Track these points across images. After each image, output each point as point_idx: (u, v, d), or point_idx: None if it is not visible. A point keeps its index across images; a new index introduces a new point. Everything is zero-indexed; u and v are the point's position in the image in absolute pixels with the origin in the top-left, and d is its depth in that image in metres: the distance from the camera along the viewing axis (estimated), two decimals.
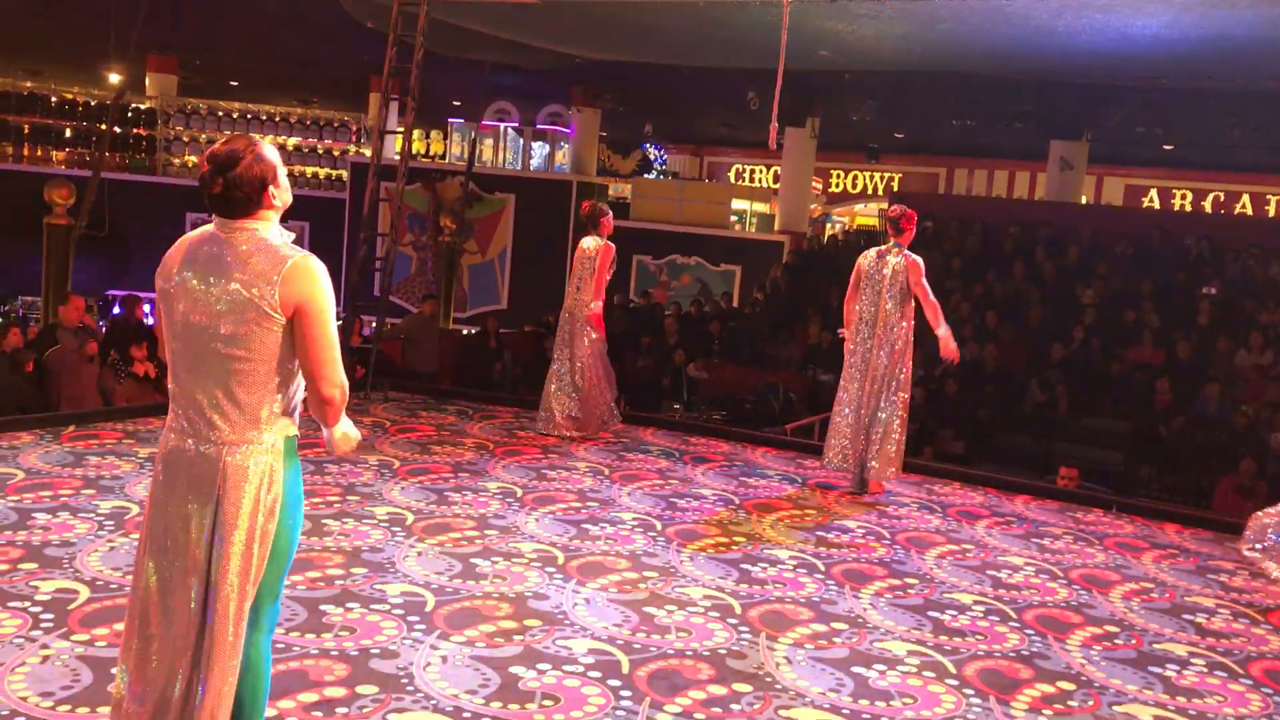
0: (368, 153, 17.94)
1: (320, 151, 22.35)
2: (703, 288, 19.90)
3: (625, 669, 4.43)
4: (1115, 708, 4.53)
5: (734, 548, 6.20)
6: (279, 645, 4.27)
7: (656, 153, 28.96)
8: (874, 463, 7.50)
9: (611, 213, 8.84)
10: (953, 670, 4.73)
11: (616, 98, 21.47)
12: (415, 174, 18.32)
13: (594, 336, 8.66)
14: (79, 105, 21.08)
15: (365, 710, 3.91)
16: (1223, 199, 25.19)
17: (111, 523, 5.70)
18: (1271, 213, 24.60)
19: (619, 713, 4.06)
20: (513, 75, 19.87)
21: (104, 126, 18.30)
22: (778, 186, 22.93)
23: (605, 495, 7.08)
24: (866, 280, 7.54)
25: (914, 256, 7.47)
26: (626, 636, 4.76)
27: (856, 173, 29.16)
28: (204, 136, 21.36)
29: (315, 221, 20.24)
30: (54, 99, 20.94)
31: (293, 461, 3.14)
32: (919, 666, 4.74)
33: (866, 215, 29.15)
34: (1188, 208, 25.27)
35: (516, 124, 22.63)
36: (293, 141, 22.11)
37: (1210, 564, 6.80)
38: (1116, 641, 5.28)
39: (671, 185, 23.51)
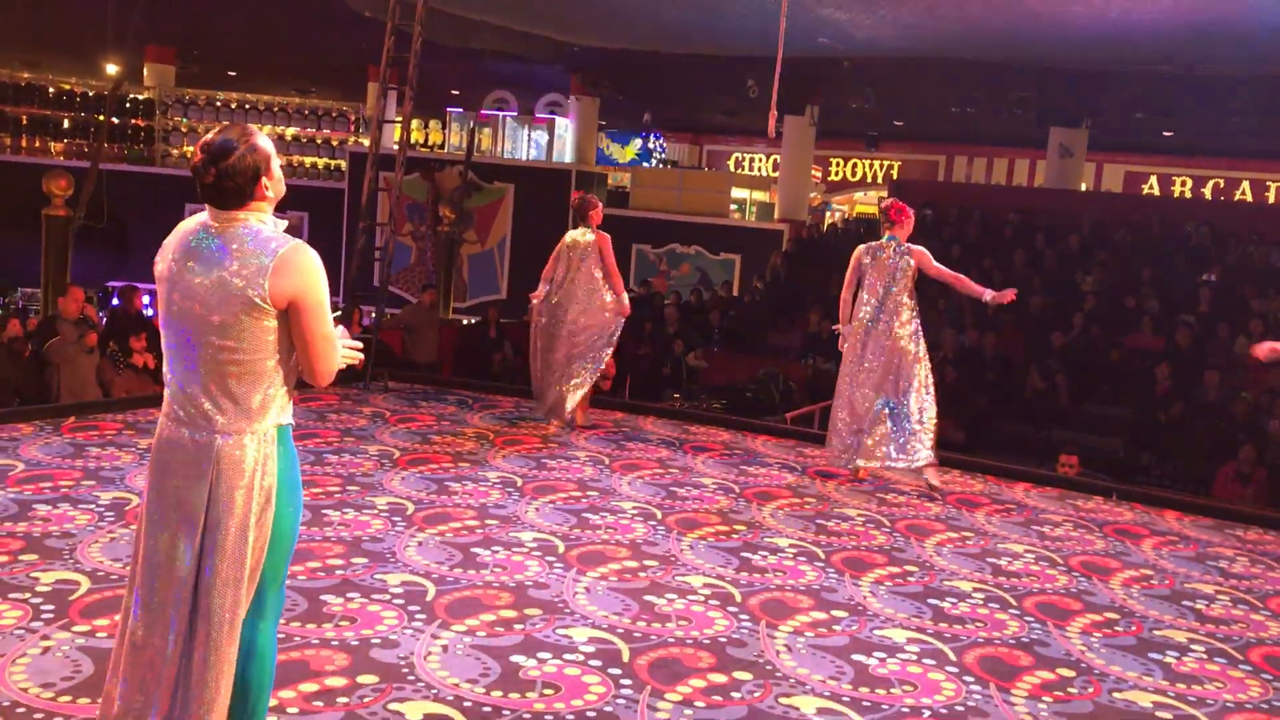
0: (366, 142, 17.93)
1: (319, 141, 22.33)
2: (702, 276, 19.90)
3: (626, 657, 4.44)
4: (1115, 694, 4.54)
5: (734, 536, 6.20)
6: (280, 635, 4.27)
7: (656, 141, 28.91)
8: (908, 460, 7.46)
9: (600, 204, 8.73)
10: (953, 658, 4.74)
11: (616, 86, 21.44)
12: (414, 163, 18.30)
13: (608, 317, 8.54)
14: (77, 96, 21.05)
15: (366, 700, 3.92)
16: (1223, 185, 25.17)
17: (112, 514, 5.70)
18: (1271, 199, 24.59)
19: (619, 701, 4.07)
20: (511, 64, 19.86)
21: (102, 117, 18.27)
22: (777, 175, 22.92)
23: (605, 484, 7.08)
24: (871, 274, 7.50)
25: (918, 247, 7.46)
26: (627, 625, 4.77)
27: (856, 161, 29.14)
28: (202, 127, 21.34)
29: (314, 211, 20.22)
30: (52, 90, 20.91)
31: (287, 449, 3.14)
32: (919, 654, 4.74)
33: (866, 203, 29.11)
34: (1188, 194, 25.25)
35: (515, 113, 22.60)
36: (291, 131, 22.08)
37: (1210, 551, 6.81)
38: (1116, 628, 5.29)
39: (671, 174, 23.49)
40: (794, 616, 5.05)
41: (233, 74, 23.87)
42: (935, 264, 7.43)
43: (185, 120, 21.49)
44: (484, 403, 9.52)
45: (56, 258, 11.89)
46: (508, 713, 3.91)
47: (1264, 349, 6.61)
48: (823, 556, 5.98)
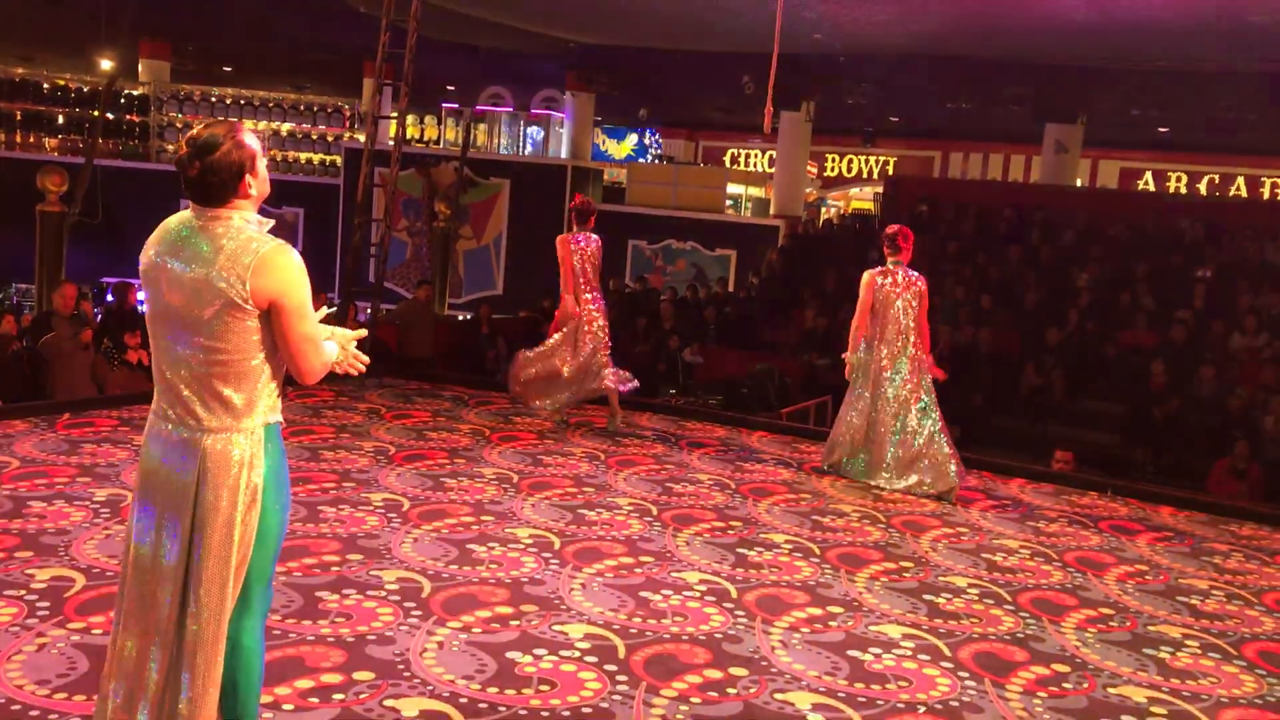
0: (362, 138, 17.92)
1: (314, 137, 22.30)
2: (698, 272, 19.89)
3: (621, 653, 4.44)
4: (1110, 690, 4.55)
5: (730, 532, 6.21)
6: (275, 632, 4.28)
7: (652, 138, 28.89)
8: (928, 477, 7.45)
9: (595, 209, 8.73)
10: (948, 653, 4.75)
11: (611, 82, 21.42)
12: (409, 159, 18.27)
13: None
14: (72, 91, 21.00)
15: (362, 696, 3.92)
16: (1218, 181, 25.19)
17: (107, 510, 5.70)
18: (1266, 195, 24.60)
19: (615, 697, 4.08)
20: (507, 60, 19.84)
21: (97, 113, 18.22)
22: (773, 170, 22.91)
23: (601, 480, 7.08)
24: (884, 303, 7.45)
25: (918, 278, 7.49)
26: (623, 621, 4.77)
27: (851, 156, 29.11)
28: (197, 123, 21.26)
29: (309, 207, 20.22)
30: (46, 85, 20.86)
31: (275, 447, 3.14)
32: (914, 649, 4.75)
33: (861, 199, 29.13)
34: (1183, 190, 25.27)
35: (511, 108, 22.58)
36: (286, 127, 22.05)
37: (1204, 546, 6.82)
38: (1111, 624, 5.30)
39: (667, 170, 23.47)
40: (789, 612, 5.05)
41: (228, 70, 23.83)
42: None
43: (180, 116, 21.45)
44: (479, 399, 9.51)
45: (51, 254, 11.87)
46: (504, 709, 3.92)
47: None
48: (818, 552, 5.99)
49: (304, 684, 3.96)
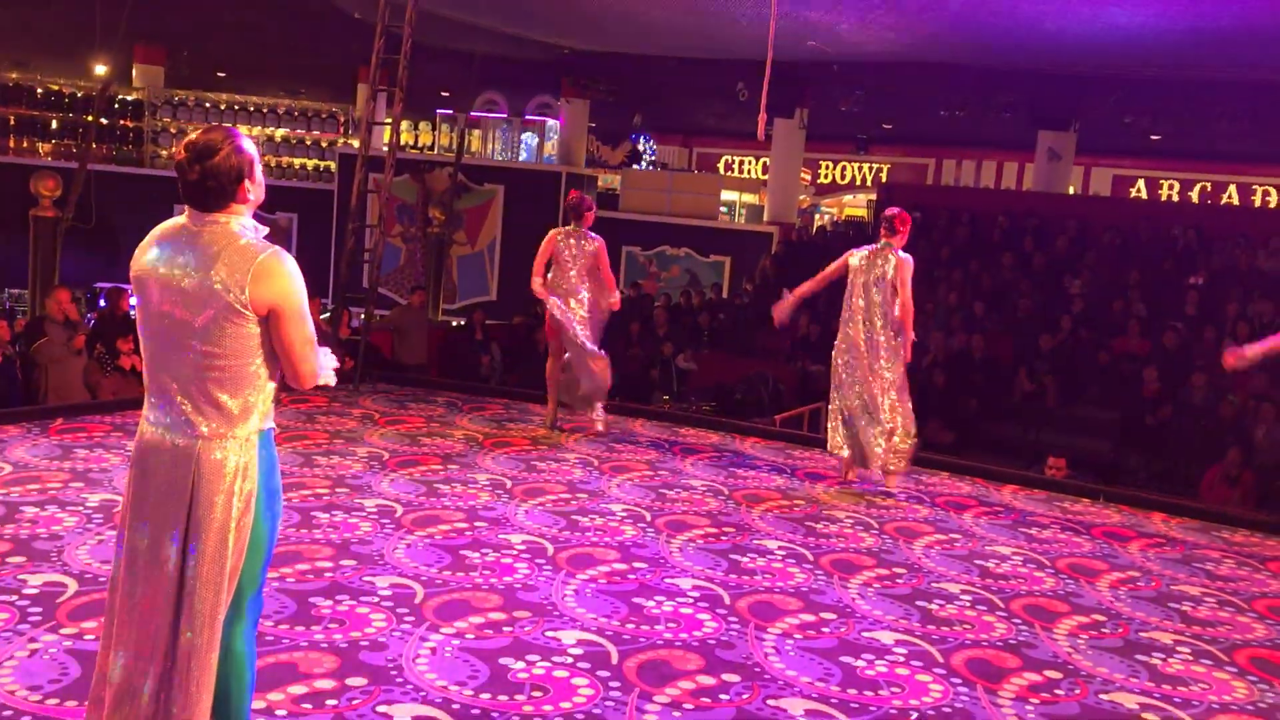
0: (356, 144, 17.89)
1: (308, 143, 22.30)
2: (692, 279, 19.91)
3: (614, 659, 4.45)
4: (1102, 696, 4.56)
5: (723, 538, 6.21)
6: (268, 638, 4.28)
7: (646, 144, 28.92)
8: (885, 455, 7.50)
9: (594, 206, 8.72)
10: (940, 659, 4.75)
11: (605, 89, 21.44)
12: (404, 165, 18.28)
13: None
14: (65, 97, 20.98)
15: (355, 702, 3.92)
16: (1210, 189, 25.28)
17: (100, 516, 5.69)
18: (1258, 203, 24.68)
19: (608, 703, 4.08)
20: (501, 66, 19.85)
21: (91, 118, 18.22)
22: (767, 177, 22.94)
23: (595, 487, 7.09)
24: (856, 277, 7.53)
25: (906, 255, 7.49)
26: (615, 627, 4.77)
27: (845, 163, 29.18)
28: (191, 128, 21.22)
29: (303, 213, 20.20)
30: (40, 90, 20.84)
31: (269, 454, 3.14)
32: (907, 655, 4.76)
33: (855, 206, 29.17)
34: (1175, 198, 25.34)
35: (505, 115, 22.59)
36: (280, 133, 22.05)
37: (1196, 553, 6.84)
38: (1103, 630, 5.31)
39: (661, 176, 23.50)
40: (782, 618, 5.06)
41: (222, 75, 23.81)
42: (908, 280, 7.46)
43: (174, 121, 21.43)
44: (473, 405, 9.51)
45: (44, 259, 11.86)
46: (496, 715, 3.92)
47: (1231, 357, 6.68)
48: (811, 558, 5.99)
49: (297, 690, 3.96)
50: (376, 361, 10.79)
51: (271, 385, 3.13)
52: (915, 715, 4.21)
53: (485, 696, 4.04)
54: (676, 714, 4.04)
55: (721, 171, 29.78)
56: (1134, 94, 17.30)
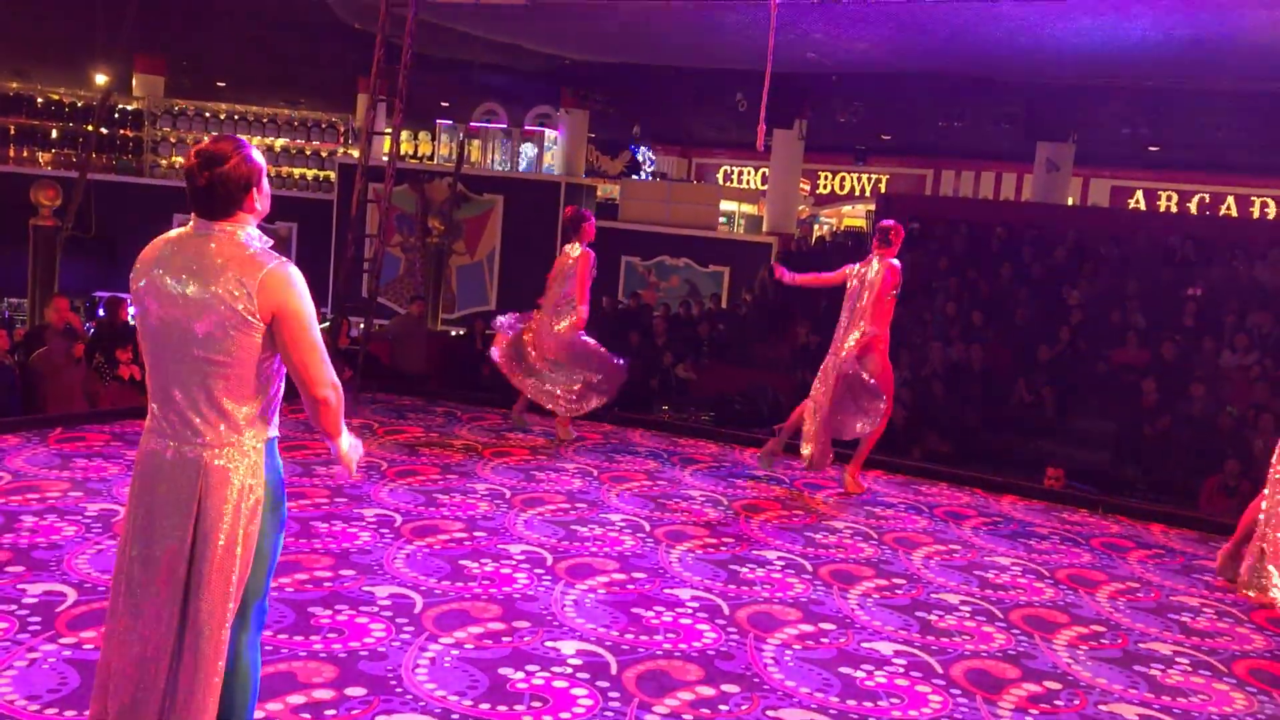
0: (356, 154, 17.92)
1: (308, 153, 22.30)
2: (691, 289, 19.92)
3: (614, 670, 4.45)
4: (1101, 707, 4.56)
5: (722, 548, 6.21)
6: (268, 647, 4.27)
7: (647, 153, 28.94)
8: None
9: (593, 218, 8.74)
10: (940, 670, 4.75)
11: (605, 99, 21.48)
12: (403, 175, 18.28)
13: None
14: (65, 106, 20.99)
15: (354, 712, 3.91)
16: (1208, 200, 25.29)
17: (99, 525, 5.69)
18: (1256, 214, 24.71)
19: (607, 714, 4.08)
20: (501, 76, 19.89)
21: (91, 127, 18.24)
22: (766, 188, 22.96)
23: (594, 497, 7.09)
24: (849, 288, 7.62)
25: (894, 263, 7.52)
26: (615, 638, 4.77)
27: (844, 174, 29.20)
28: (191, 138, 21.29)
29: (303, 223, 20.20)
30: (40, 100, 20.84)
31: (274, 462, 3.15)
32: (906, 666, 4.76)
33: (854, 216, 29.18)
34: (1173, 209, 25.36)
35: (505, 125, 22.62)
36: (280, 143, 22.06)
37: (1195, 563, 6.84)
38: (1102, 641, 5.31)
39: (660, 187, 23.52)
40: (782, 629, 5.06)
41: (222, 85, 23.83)
42: (892, 290, 7.54)
43: (174, 131, 21.45)
44: (472, 414, 9.51)
45: (44, 268, 11.86)
46: None
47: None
48: (810, 569, 5.99)
49: (296, 700, 3.96)
50: (375, 371, 10.79)
51: (276, 394, 3.14)
52: None
53: (485, 707, 4.04)
54: None
55: (720, 182, 29.81)
56: (1132, 105, 17.32)
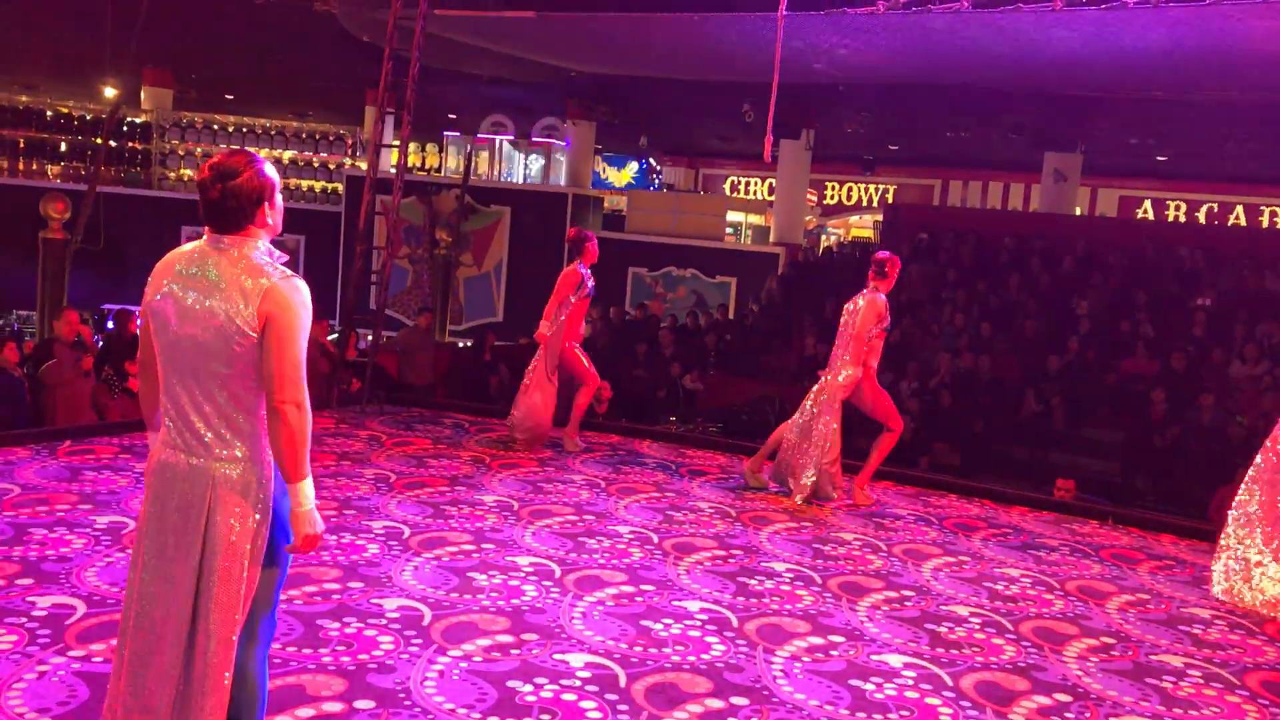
0: (363, 166, 17.97)
1: (316, 165, 22.41)
2: (698, 299, 19.94)
3: (622, 682, 4.43)
4: (1112, 719, 4.53)
5: (731, 560, 6.20)
6: (276, 660, 4.27)
7: (656, 165, 28.98)
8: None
9: (595, 239, 8.79)
10: (949, 682, 4.73)
11: (612, 111, 21.53)
12: (411, 187, 18.33)
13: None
14: (75, 120, 21.10)
15: None
16: (1216, 210, 25.26)
17: (109, 538, 5.69)
18: (1265, 223, 24.67)
19: None
20: (509, 88, 19.95)
21: (100, 140, 18.32)
22: (773, 198, 22.99)
23: (602, 508, 7.08)
24: (841, 321, 7.74)
25: (880, 297, 7.52)
26: (624, 650, 4.76)
27: (851, 184, 29.21)
28: (199, 150, 21.40)
29: (311, 235, 20.29)
30: (50, 113, 20.97)
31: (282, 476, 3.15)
32: (916, 679, 4.74)
33: (861, 227, 29.20)
34: (1181, 219, 25.33)
35: (512, 137, 22.68)
36: (288, 155, 22.16)
37: (1206, 575, 6.80)
38: (1113, 653, 5.29)
39: (667, 198, 23.57)
40: (791, 641, 5.04)
41: (230, 97, 23.94)
42: (872, 327, 7.54)
43: (182, 143, 21.54)
44: (480, 426, 9.51)
45: (53, 280, 11.92)
46: None
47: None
48: (819, 581, 5.98)
49: (305, 713, 3.95)
50: (383, 383, 10.80)
51: None
52: None
53: None
54: None
55: (727, 192, 29.85)
56: (1140, 115, 17.33)
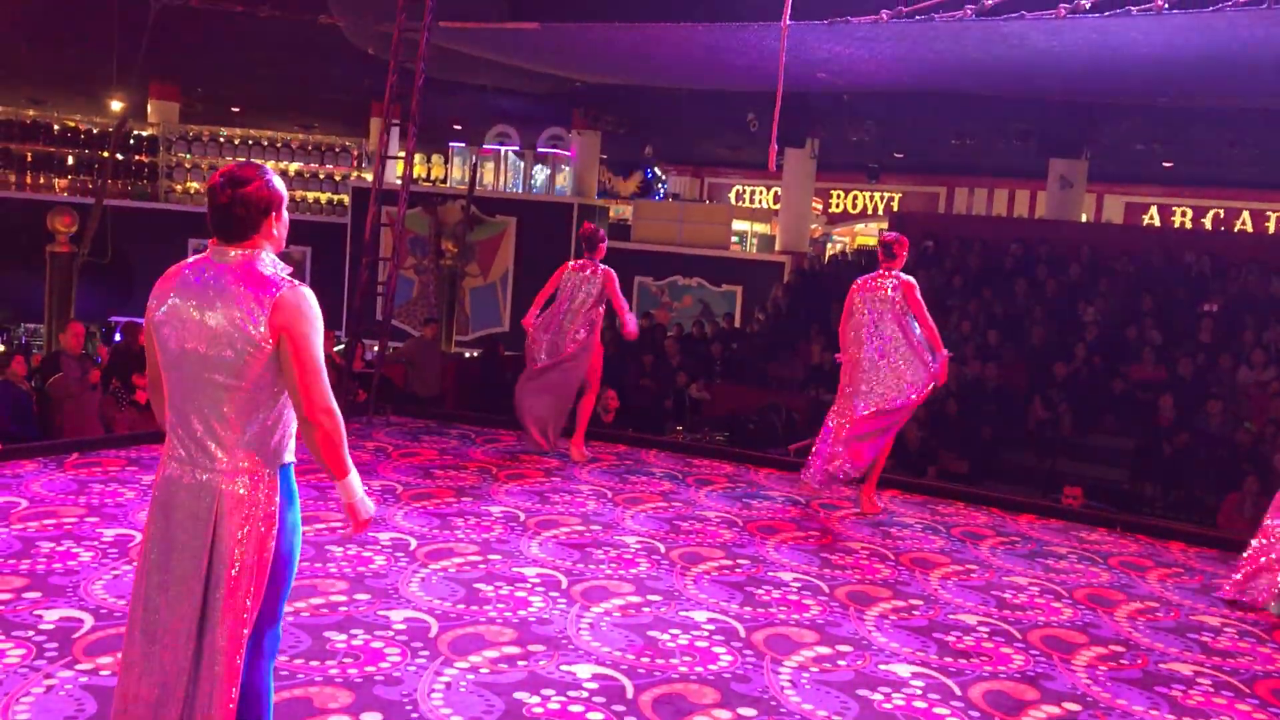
0: (369, 177, 18.02)
1: (321, 176, 22.43)
2: (704, 309, 19.93)
3: (630, 694, 4.42)
4: None
5: (738, 570, 6.19)
6: (283, 673, 4.27)
7: (662, 174, 28.99)
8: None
9: (605, 235, 8.86)
10: (958, 692, 4.72)
11: (617, 120, 21.55)
12: (416, 198, 18.36)
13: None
14: (81, 133, 21.15)
15: None
16: (1222, 216, 25.21)
17: (115, 550, 5.70)
18: (1271, 229, 24.61)
19: None
20: (513, 98, 19.97)
21: (106, 154, 18.37)
22: (778, 207, 22.98)
23: (608, 518, 7.07)
24: (863, 303, 7.55)
25: (907, 277, 7.50)
26: (631, 661, 4.75)
27: (856, 193, 29.20)
28: (206, 163, 21.44)
29: (317, 247, 20.30)
30: (56, 127, 21.01)
31: (289, 488, 3.16)
32: (924, 688, 4.72)
33: (867, 235, 29.17)
34: (1188, 225, 25.28)
35: (517, 147, 22.71)
36: (294, 166, 22.19)
37: (1215, 582, 6.78)
38: (1122, 661, 5.27)
39: (672, 207, 23.57)
40: (798, 651, 5.03)
41: (236, 110, 24.00)
42: (918, 296, 7.46)
43: (189, 156, 21.59)
44: (486, 436, 9.51)
45: (60, 294, 11.94)
46: None
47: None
48: (827, 590, 5.96)
49: None
50: (390, 394, 10.81)
51: (293, 419, 3.15)
52: None
53: None
54: None
55: (733, 201, 29.85)
56: (1145, 121, 17.30)
